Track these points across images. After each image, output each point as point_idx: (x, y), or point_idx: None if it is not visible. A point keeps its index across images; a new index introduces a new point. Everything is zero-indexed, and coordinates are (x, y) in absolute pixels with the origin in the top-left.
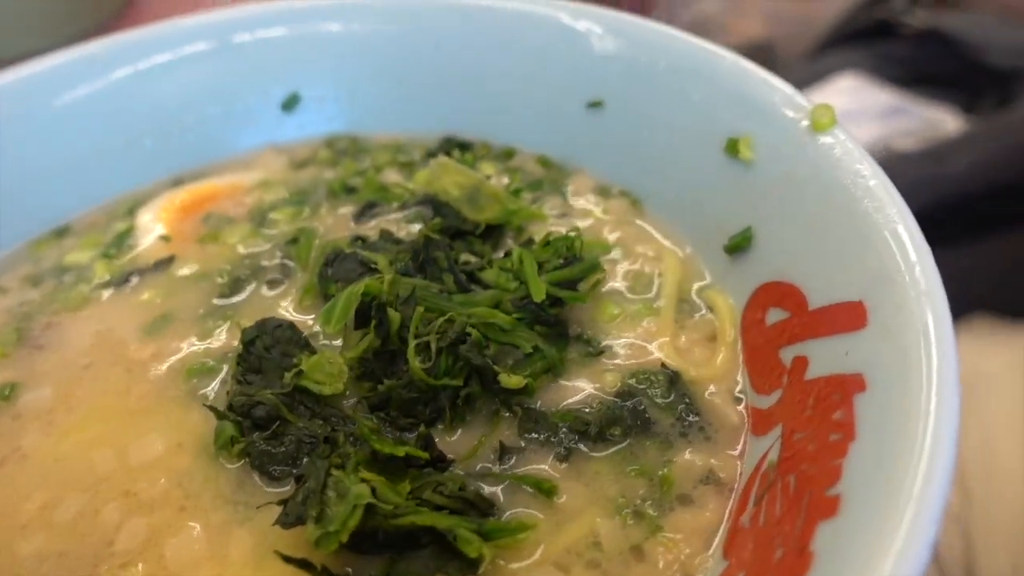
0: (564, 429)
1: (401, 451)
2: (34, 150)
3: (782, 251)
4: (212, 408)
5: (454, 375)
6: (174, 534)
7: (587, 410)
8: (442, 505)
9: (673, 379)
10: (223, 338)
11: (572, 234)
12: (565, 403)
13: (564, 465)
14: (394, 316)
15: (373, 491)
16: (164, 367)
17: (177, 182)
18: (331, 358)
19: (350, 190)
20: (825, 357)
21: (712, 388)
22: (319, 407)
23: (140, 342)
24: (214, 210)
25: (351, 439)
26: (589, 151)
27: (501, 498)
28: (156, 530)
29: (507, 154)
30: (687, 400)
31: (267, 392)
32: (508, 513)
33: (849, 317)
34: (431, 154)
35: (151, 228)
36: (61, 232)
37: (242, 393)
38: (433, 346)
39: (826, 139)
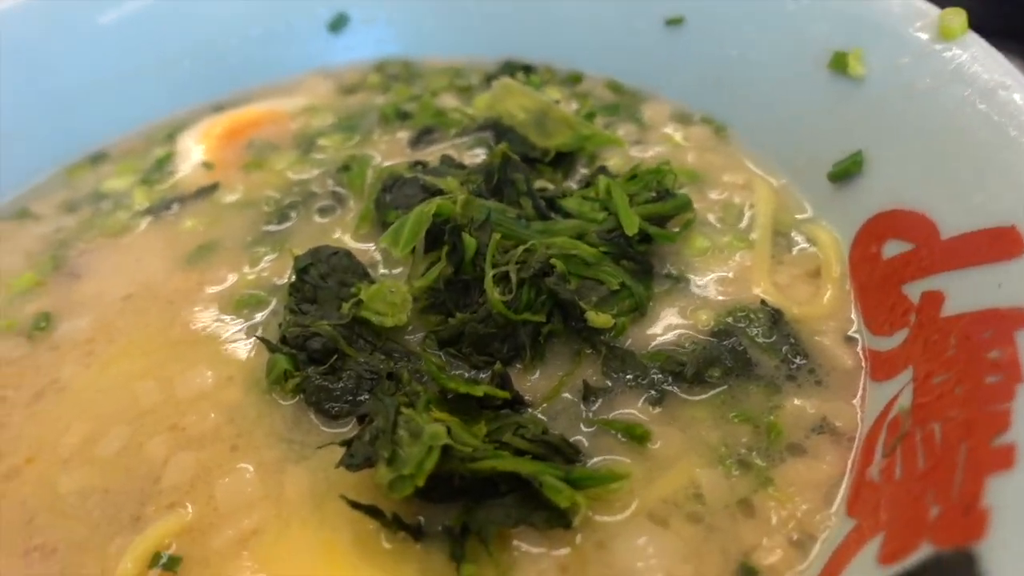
0: (655, 370)
1: (479, 390)
2: (74, 70)
3: (901, 176)
4: (264, 340)
5: (536, 310)
6: (225, 473)
7: (681, 350)
8: (524, 450)
9: (775, 317)
10: (272, 267)
11: (664, 167)
12: (655, 343)
13: (656, 409)
14: (470, 241)
15: (448, 431)
16: (210, 297)
17: (218, 108)
18: (393, 287)
19: (404, 116)
20: (967, 291)
21: (820, 328)
22: (380, 341)
23: (183, 271)
24: (257, 136)
25: (417, 376)
26: (666, 74)
27: (586, 444)
28: (205, 467)
29: (573, 79)
30: (792, 341)
31: (324, 323)
32: (596, 460)
33: (998, 245)
34: (491, 78)
35: (192, 154)
36: (98, 158)
37: (296, 324)
38: (513, 277)
39: (956, 48)
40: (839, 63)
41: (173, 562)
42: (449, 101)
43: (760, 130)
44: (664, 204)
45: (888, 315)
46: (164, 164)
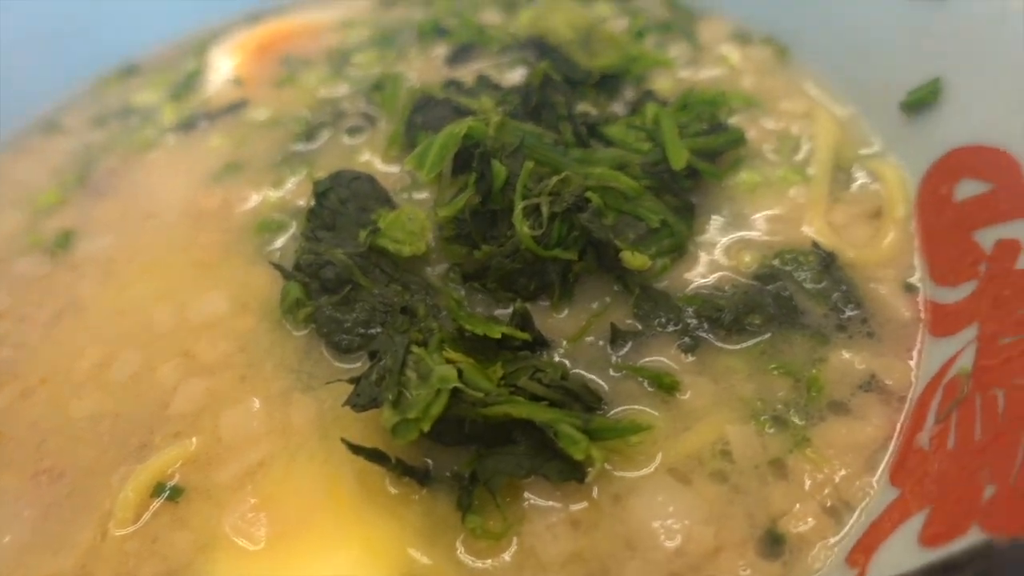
0: (690, 315)
1: (497, 331)
2: None
3: (983, 108)
4: (278, 267)
5: (567, 246)
6: (233, 403)
7: (720, 294)
8: (540, 395)
9: (827, 261)
10: (297, 190)
11: (718, 96)
12: (692, 286)
13: (689, 357)
14: (499, 169)
15: (460, 374)
16: (232, 219)
17: (253, 18)
18: (412, 214)
19: (442, 32)
20: None
21: (876, 275)
22: (398, 272)
23: (207, 190)
24: (291, 50)
25: (434, 311)
26: None
27: (609, 391)
28: (215, 396)
29: None
30: (844, 288)
31: (338, 251)
32: (618, 410)
33: None
34: None
35: (223, 69)
36: (129, 71)
37: (310, 251)
38: (545, 210)
39: None
40: None
41: (175, 492)
42: (491, 17)
43: (827, 53)
44: (716, 137)
45: (955, 264)
46: (194, 79)
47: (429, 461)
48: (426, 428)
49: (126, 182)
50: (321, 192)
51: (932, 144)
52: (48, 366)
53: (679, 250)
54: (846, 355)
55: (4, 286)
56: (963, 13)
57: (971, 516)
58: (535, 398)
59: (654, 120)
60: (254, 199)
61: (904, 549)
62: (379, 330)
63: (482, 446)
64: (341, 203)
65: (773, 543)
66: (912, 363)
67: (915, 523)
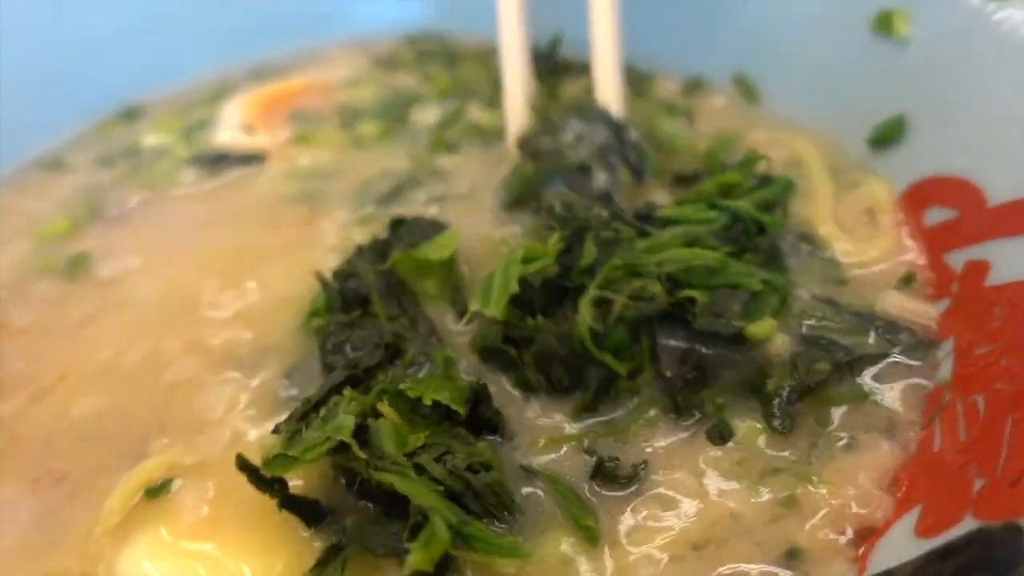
0: None
1: (425, 395)
2: (106, 20)
3: (947, 142)
4: (319, 276)
5: (621, 357)
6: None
7: None
8: (439, 479)
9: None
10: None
11: (751, 156)
12: None
13: None
14: (590, 248)
15: (366, 429)
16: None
17: (254, 72)
18: (454, 231)
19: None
20: (1014, 260)
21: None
22: (414, 309)
23: (221, 233)
24: (301, 107)
25: (422, 359)
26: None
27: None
28: (209, 402)
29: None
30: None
31: (369, 269)
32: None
33: None
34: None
35: (234, 121)
36: (130, 115)
37: (348, 262)
38: (616, 309)
39: (1008, 10)
40: (883, 24)
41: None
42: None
43: (794, 94)
44: (771, 189)
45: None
46: (206, 124)
47: (321, 500)
48: (294, 469)
49: (140, 212)
50: (395, 225)
51: (899, 176)
52: (66, 368)
53: (786, 303)
54: None
55: (24, 305)
56: (924, 55)
57: (964, 507)
58: (436, 481)
59: (721, 190)
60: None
61: (902, 542)
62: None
63: (379, 508)
64: (397, 239)
65: None
66: None
67: (909, 519)
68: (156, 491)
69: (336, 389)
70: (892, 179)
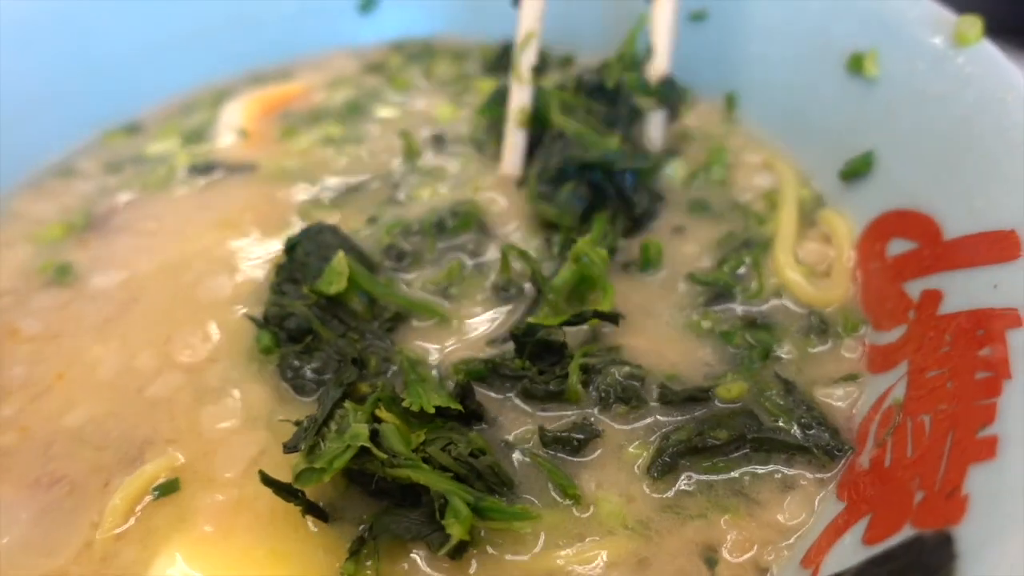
0: None
1: (430, 406)
2: (111, 36)
3: (910, 177)
4: (250, 318)
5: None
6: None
7: None
8: (447, 467)
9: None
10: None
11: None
12: None
13: None
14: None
15: (376, 434)
16: (237, 266)
17: (254, 79)
18: (340, 259)
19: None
20: (965, 290)
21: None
22: (355, 322)
23: (214, 237)
24: (290, 109)
25: (385, 365)
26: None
27: (522, 478)
28: (203, 416)
29: (567, 60)
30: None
31: (299, 303)
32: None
33: (997, 247)
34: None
35: (232, 124)
36: (133, 128)
37: (276, 304)
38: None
39: (970, 55)
40: (856, 64)
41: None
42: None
43: (774, 128)
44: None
45: (890, 311)
46: (204, 131)
47: (341, 507)
48: (327, 479)
49: (135, 221)
50: (291, 247)
51: (867, 208)
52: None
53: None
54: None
55: (31, 314)
56: (893, 94)
57: (905, 517)
58: (444, 468)
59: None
60: (256, 252)
61: (851, 549)
62: (330, 377)
63: (391, 502)
64: (306, 255)
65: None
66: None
67: (859, 528)
68: (163, 493)
69: (337, 404)
70: (861, 209)
